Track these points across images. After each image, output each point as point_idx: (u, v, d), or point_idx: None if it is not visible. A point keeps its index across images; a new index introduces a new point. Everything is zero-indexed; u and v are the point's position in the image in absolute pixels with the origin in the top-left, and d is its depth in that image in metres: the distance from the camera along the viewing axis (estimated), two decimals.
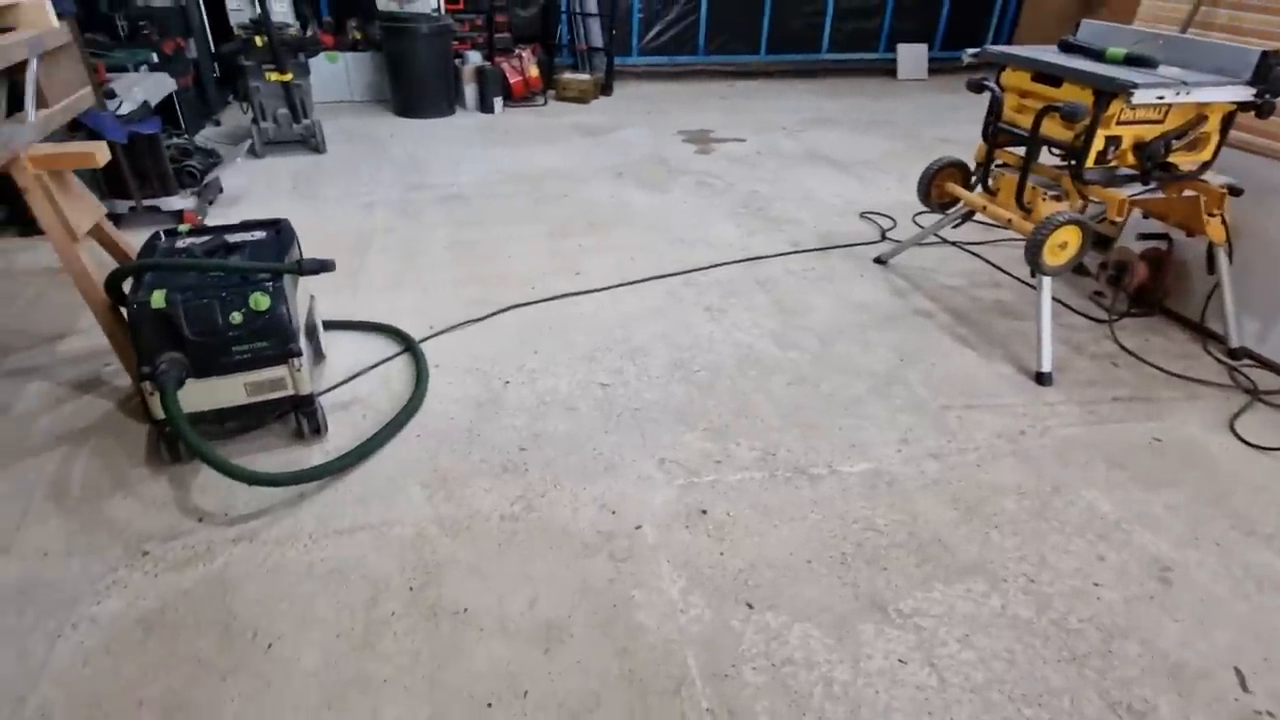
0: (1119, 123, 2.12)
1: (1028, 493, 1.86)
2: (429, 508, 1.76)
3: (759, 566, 1.63)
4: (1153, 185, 2.29)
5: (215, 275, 1.79)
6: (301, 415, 1.92)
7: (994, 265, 3.09)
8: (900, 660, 1.42)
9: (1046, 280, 2.30)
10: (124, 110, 2.90)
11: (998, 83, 2.41)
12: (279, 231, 2.08)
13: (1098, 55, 2.26)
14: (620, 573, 1.60)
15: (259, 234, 2.07)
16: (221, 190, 3.66)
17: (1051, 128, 2.23)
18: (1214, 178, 2.32)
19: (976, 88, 2.39)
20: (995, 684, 1.39)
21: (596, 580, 1.58)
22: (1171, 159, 2.22)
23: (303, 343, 1.89)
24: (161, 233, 2.01)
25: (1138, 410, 2.20)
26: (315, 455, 1.91)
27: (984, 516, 1.78)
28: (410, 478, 1.85)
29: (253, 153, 4.17)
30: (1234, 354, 2.46)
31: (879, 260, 3.11)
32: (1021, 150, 2.38)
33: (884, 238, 3.34)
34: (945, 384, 2.29)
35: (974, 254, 3.19)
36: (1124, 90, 1.96)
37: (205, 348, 1.74)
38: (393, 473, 1.87)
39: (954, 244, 3.27)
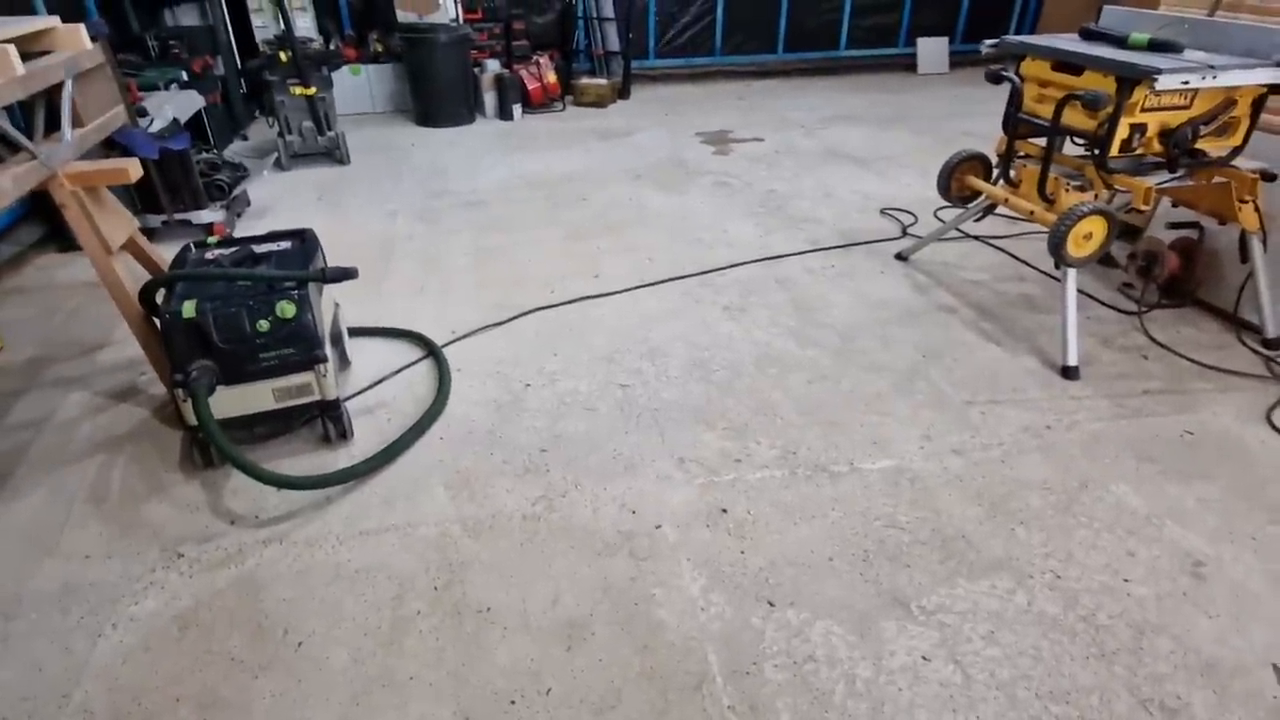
0: (1143, 110, 2.08)
1: (1054, 488, 1.83)
2: (452, 508, 1.79)
3: (780, 564, 1.62)
4: (1181, 173, 2.24)
5: (243, 284, 1.84)
6: (328, 420, 1.96)
7: (1018, 259, 3.05)
8: (924, 657, 1.41)
9: (1071, 272, 2.26)
10: (155, 127, 2.99)
11: (1017, 73, 2.38)
12: (304, 241, 2.13)
13: (1120, 41, 2.22)
14: (641, 571, 1.61)
15: (284, 244, 2.12)
16: (249, 203, 3.74)
17: (1073, 117, 2.19)
18: (1245, 163, 2.27)
19: (995, 78, 2.36)
20: (1021, 681, 1.37)
21: (618, 579, 1.59)
22: (1200, 145, 2.17)
23: (328, 349, 1.93)
24: (192, 244, 2.06)
25: (1169, 403, 2.15)
26: (342, 459, 1.95)
27: (1009, 512, 1.76)
28: (434, 479, 1.88)
29: (279, 166, 4.26)
30: (1270, 344, 2.40)
31: (900, 256, 3.08)
32: (1043, 141, 2.35)
33: (905, 234, 3.31)
34: (968, 380, 2.27)
35: (998, 248, 3.15)
36: (1147, 76, 1.93)
37: (234, 355, 1.78)
38: (417, 474, 1.90)
39: (977, 238, 3.23)
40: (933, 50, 6.93)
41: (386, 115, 5.59)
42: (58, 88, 1.83)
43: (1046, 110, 2.26)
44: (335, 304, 2.28)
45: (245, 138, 4.95)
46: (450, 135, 5.04)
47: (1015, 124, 2.40)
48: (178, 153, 3.00)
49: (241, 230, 3.46)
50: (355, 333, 2.47)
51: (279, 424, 1.99)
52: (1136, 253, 2.70)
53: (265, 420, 1.92)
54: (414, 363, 2.36)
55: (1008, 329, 2.54)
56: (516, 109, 5.38)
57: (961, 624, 1.48)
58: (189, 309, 1.74)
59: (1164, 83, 1.92)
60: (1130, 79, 2.00)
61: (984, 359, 2.38)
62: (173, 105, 3.11)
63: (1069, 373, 2.26)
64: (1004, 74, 2.34)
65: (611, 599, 1.55)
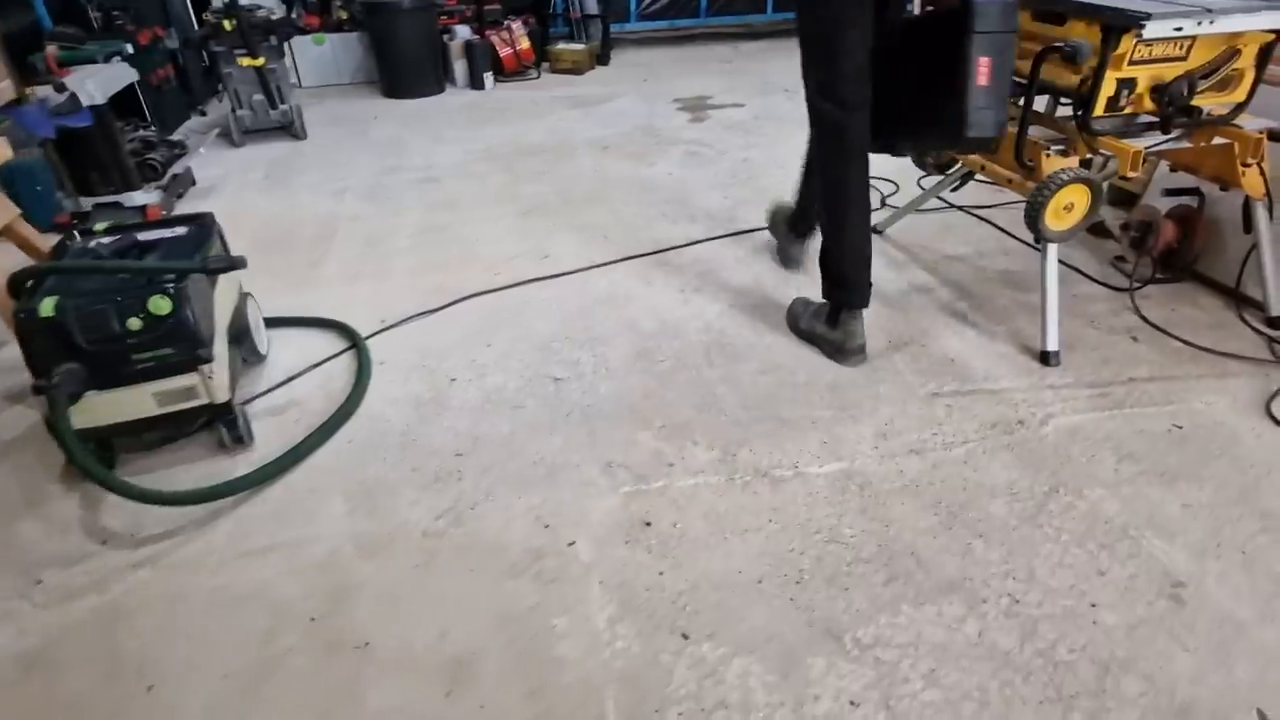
0: (1132, 62, 1.84)
1: (1020, 494, 1.64)
2: (348, 524, 1.62)
3: (702, 588, 1.44)
4: (1176, 134, 2.00)
5: (119, 278, 1.66)
6: (221, 425, 1.79)
7: (1004, 231, 2.81)
8: (852, 702, 1.23)
9: (1051, 247, 2.03)
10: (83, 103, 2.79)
11: None
12: (200, 227, 1.94)
13: None
14: (545, 597, 1.44)
15: (180, 230, 1.93)
16: (194, 183, 3.54)
17: (1054, 72, 1.95)
18: (1249, 122, 2.02)
19: None
20: None
21: (517, 606, 1.42)
22: (1197, 101, 1.93)
23: (218, 347, 1.75)
24: (76, 233, 1.88)
25: (1157, 392, 1.94)
26: (239, 466, 1.78)
27: (967, 523, 1.57)
28: (334, 489, 1.71)
29: (230, 142, 4.06)
30: (1274, 323, 2.17)
31: (875, 230, 2.85)
32: (1022, 101, 2.10)
33: (883, 204, 3.07)
34: (936, 367, 2.06)
35: (982, 219, 2.91)
36: (1134, 23, 1.68)
37: (103, 357, 1.60)
38: (316, 484, 1.73)
39: (961, 208, 2.99)
40: None
41: (353, 87, 5.35)
42: None
43: (1025, 65, 2.02)
44: (246, 295, 2.09)
45: (203, 113, 4.73)
46: (416, 107, 4.80)
47: None
48: (102, 130, 2.80)
49: (185, 211, 3.28)
50: (274, 323, 2.29)
51: (172, 429, 1.82)
52: (1130, 223, 2.47)
53: (155, 426, 1.75)
54: (332, 357, 2.18)
55: (985, 309, 2.32)
56: (488, 77, 5.13)
57: (900, 660, 1.29)
58: (47, 307, 1.56)
59: (1153, 30, 1.67)
60: (1116, 26, 1.75)
61: (956, 343, 2.17)
62: (95, 80, 2.90)
63: (1047, 358, 2.05)
64: None
65: (508, 631, 1.37)
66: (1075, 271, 2.50)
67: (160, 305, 1.61)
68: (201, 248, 1.86)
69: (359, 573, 1.50)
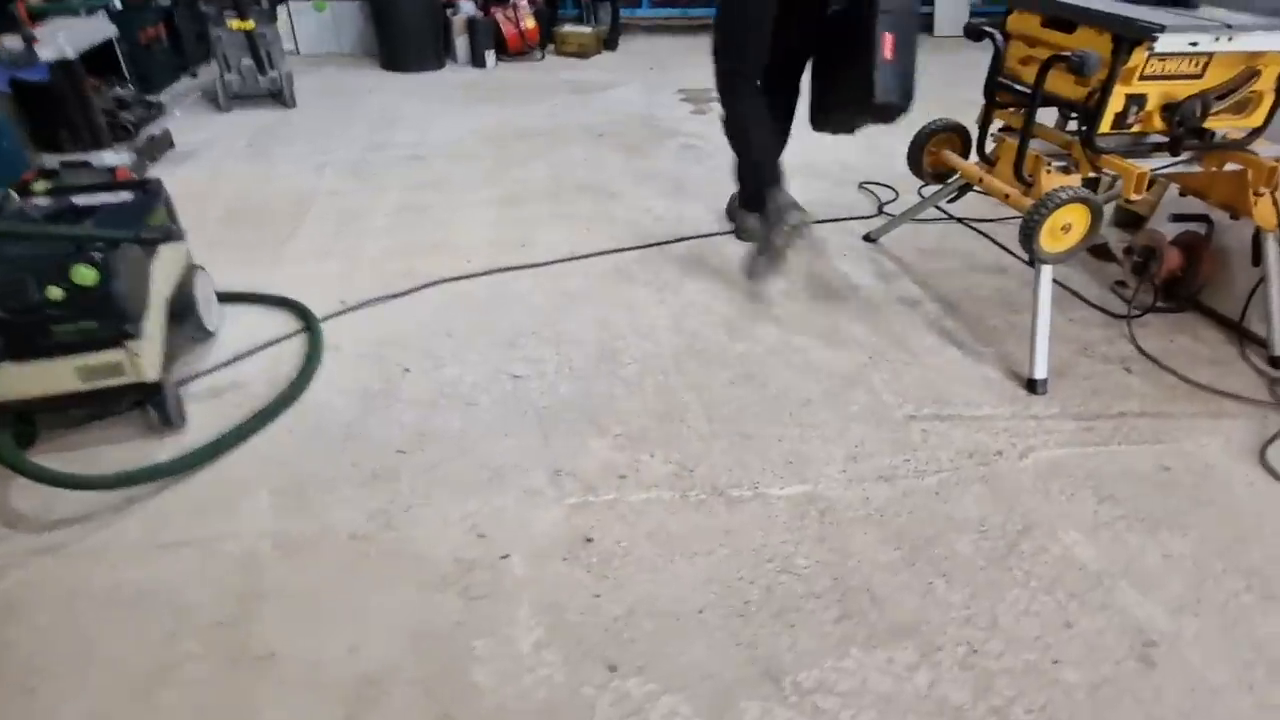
0: (1143, 77, 1.72)
1: (991, 531, 1.53)
2: (273, 520, 1.52)
3: (639, 615, 1.34)
4: (1185, 156, 1.88)
5: (44, 244, 1.55)
6: (150, 405, 1.69)
7: (1002, 246, 2.69)
8: None
9: (1045, 269, 1.92)
10: (44, 57, 2.68)
11: (1003, 28, 2.01)
12: (145, 193, 1.83)
13: None
14: (470, 615, 1.34)
15: (124, 196, 1.83)
16: (173, 145, 3.44)
17: (1060, 83, 1.83)
18: (1265, 148, 1.90)
19: (975, 34, 1.99)
20: None
21: (439, 623, 1.32)
22: (1211, 123, 1.81)
23: (149, 323, 1.64)
24: (12, 192, 1.78)
25: (1147, 429, 1.83)
26: (167, 450, 1.68)
27: (931, 560, 1.47)
28: (264, 482, 1.61)
29: (217, 107, 3.94)
30: (1276, 362, 2.06)
31: (868, 238, 2.74)
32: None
33: (880, 211, 2.95)
34: (916, 388, 1.95)
35: (981, 232, 2.79)
36: (1146, 35, 1.56)
37: (19, 326, 1.50)
38: (247, 475, 1.63)
39: (960, 220, 2.87)
40: (953, 9, 6.41)
41: (352, 57, 5.22)
42: None
43: (1031, 74, 1.90)
44: (195, 267, 1.99)
45: (194, 76, 4.59)
46: (413, 82, 4.68)
47: (994, 90, 2.03)
48: (53, 86, 2.69)
49: (160, 176, 3.17)
50: (228, 299, 2.19)
51: (98, 406, 1.72)
52: (1133, 246, 2.35)
53: (80, 402, 1.65)
54: (284, 338, 2.07)
55: (974, 329, 2.21)
56: (490, 56, 4.99)
57: (840, 710, 1.19)
58: None
59: (1165, 43, 1.55)
60: (1128, 38, 1.63)
61: (939, 363, 2.06)
62: (68, 34, 2.78)
63: (1034, 386, 1.94)
64: (984, 28, 1.97)
65: (425, 650, 1.28)
66: (1072, 294, 2.39)
67: (85, 275, 1.50)
68: (144, 216, 1.76)
69: (275, 575, 1.40)
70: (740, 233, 2.65)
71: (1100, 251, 2.60)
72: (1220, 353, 2.13)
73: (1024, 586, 1.42)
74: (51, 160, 2.92)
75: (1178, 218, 2.29)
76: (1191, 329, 2.24)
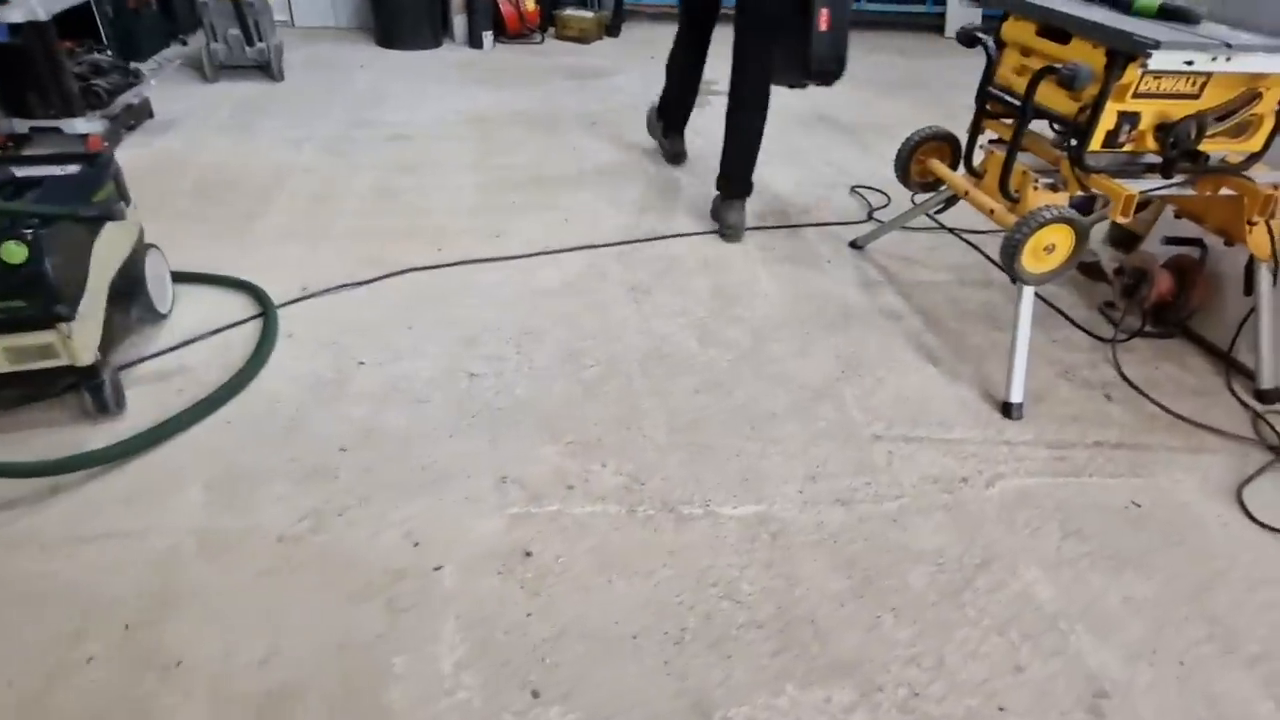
0: (1137, 95, 1.64)
1: (948, 564, 1.47)
2: (202, 516, 1.46)
3: (569, 637, 1.28)
4: (1179, 179, 1.80)
5: None
6: (86, 390, 1.62)
7: (991, 260, 2.61)
8: None
9: (1027, 290, 1.85)
10: (13, 18, 2.60)
11: (997, 36, 1.93)
12: (94, 167, 1.76)
13: (1125, 5, 1.76)
14: (392, 628, 1.28)
15: (71, 169, 1.75)
16: (151, 115, 3.36)
17: (1052, 96, 1.75)
18: (1262, 175, 1.82)
19: (968, 40, 1.91)
20: None
21: (360, 636, 1.26)
22: (1206, 146, 1.73)
23: (86, 304, 1.58)
24: None
25: (1122, 461, 1.76)
26: (100, 437, 1.62)
27: (881, 592, 1.40)
28: (197, 475, 1.55)
29: (203, 76, 3.86)
30: (1263, 396, 1.98)
31: (854, 244, 2.66)
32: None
33: (870, 217, 2.87)
34: (887, 406, 1.89)
35: (972, 244, 2.71)
36: (1140, 51, 1.48)
37: None
38: (181, 466, 1.57)
39: (951, 230, 2.79)
40: (965, 12, 6.28)
41: (349, 32, 5.12)
42: None
43: (1024, 85, 1.82)
44: (147, 246, 1.92)
45: (184, 43, 4.50)
46: (407, 59, 4.58)
47: (985, 99, 1.95)
48: (20, 47, 2.61)
49: (131, 146, 3.10)
50: (184, 279, 2.12)
51: (31, 388, 1.66)
52: (1124, 268, 2.27)
53: (11, 383, 1.58)
54: (237, 323, 2.01)
55: (954, 345, 2.14)
56: (487, 37, 4.89)
57: None
58: None
59: (1160, 60, 1.47)
60: (1122, 52, 1.55)
61: (915, 381, 1.99)
62: None
63: (1009, 410, 1.87)
64: (978, 35, 1.88)
65: (341, 664, 1.22)
66: (1059, 314, 2.32)
67: (13, 253, 1.44)
68: (91, 191, 1.69)
69: (195, 576, 1.35)
70: (666, 153, 3.28)
71: (1091, 270, 2.52)
72: (1206, 383, 2.06)
73: (975, 625, 1.35)
74: (21, 125, 2.85)
75: (1171, 240, 2.22)
76: (1179, 356, 2.17)
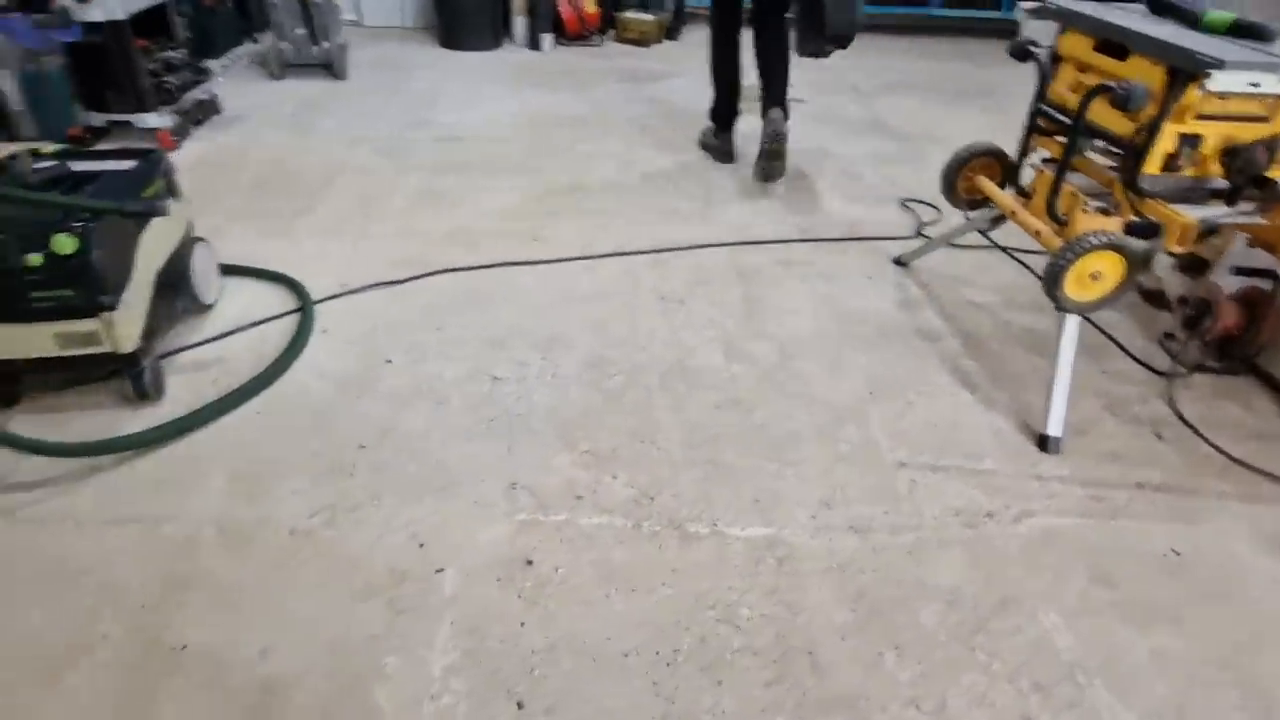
0: (1200, 116, 1.54)
1: (961, 603, 1.41)
2: (223, 505, 1.51)
3: (561, 650, 1.28)
4: (1246, 207, 1.68)
5: (35, 210, 1.57)
6: (127, 376, 1.70)
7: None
8: None
9: (1070, 318, 1.75)
10: (94, 17, 2.76)
11: (1053, 50, 1.84)
12: (147, 163, 1.85)
13: (1193, 20, 1.65)
14: (390, 629, 1.30)
15: (125, 164, 1.84)
16: (219, 111, 3.51)
17: (1106, 115, 1.66)
18: None
19: (1020, 53, 1.83)
20: None
21: (356, 634, 1.29)
22: (1276, 173, 1.61)
23: (131, 294, 1.66)
24: (28, 153, 1.81)
25: (1164, 505, 1.65)
26: (138, 422, 1.69)
27: (887, 628, 1.35)
28: (222, 465, 1.61)
29: (271, 74, 4.01)
30: None
31: (899, 261, 2.58)
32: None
33: (919, 233, 2.78)
34: (915, 432, 1.82)
35: (1023, 264, 2.60)
36: (1200, 70, 1.39)
37: None
38: (208, 454, 1.63)
39: (1003, 249, 2.68)
40: (1039, 25, 6.02)
41: (415, 32, 5.25)
42: None
43: (1074, 101, 1.73)
44: (195, 240, 2.01)
45: (256, 40, 4.71)
46: (466, 60, 4.67)
47: (1037, 116, 1.86)
48: (100, 46, 2.76)
49: (198, 140, 3.25)
50: (231, 271, 2.21)
51: (77, 372, 1.75)
52: (1187, 297, 2.13)
53: (59, 367, 1.67)
54: (275, 317, 2.08)
55: (993, 370, 2.05)
56: (547, 39, 4.95)
57: None
58: None
59: (1221, 81, 1.37)
60: (1183, 71, 1.45)
61: (947, 406, 1.91)
62: None
63: (1046, 444, 1.78)
64: (1030, 48, 1.80)
65: (335, 661, 1.24)
66: (1113, 343, 2.19)
67: (64, 244, 1.52)
68: (141, 186, 1.77)
69: (210, 563, 1.40)
70: (716, 155, 3.36)
71: (1154, 298, 2.37)
72: (1269, 425, 1.92)
73: (985, 670, 1.29)
74: (99, 119, 3.02)
75: (1240, 270, 2.07)
76: (1243, 396, 2.03)
